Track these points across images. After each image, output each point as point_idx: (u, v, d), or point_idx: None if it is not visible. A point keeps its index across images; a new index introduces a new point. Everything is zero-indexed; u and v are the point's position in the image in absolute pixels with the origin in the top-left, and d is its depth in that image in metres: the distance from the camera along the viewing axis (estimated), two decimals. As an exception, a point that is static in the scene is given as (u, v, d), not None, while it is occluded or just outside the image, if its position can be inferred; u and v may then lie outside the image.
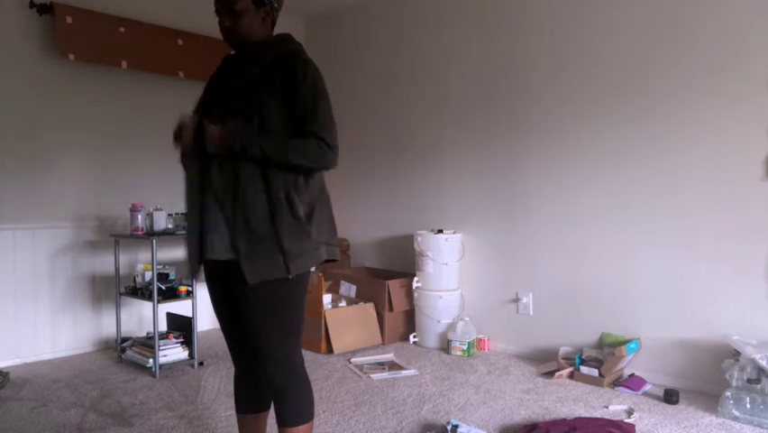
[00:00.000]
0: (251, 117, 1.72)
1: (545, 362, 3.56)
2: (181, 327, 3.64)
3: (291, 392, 1.80)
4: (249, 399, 1.98)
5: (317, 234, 1.78)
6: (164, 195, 4.08)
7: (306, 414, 1.82)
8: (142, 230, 3.60)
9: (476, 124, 4.08)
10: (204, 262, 1.86)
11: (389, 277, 4.29)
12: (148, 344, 3.53)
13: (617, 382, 3.17)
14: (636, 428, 2.60)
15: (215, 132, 1.68)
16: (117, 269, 3.77)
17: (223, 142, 1.67)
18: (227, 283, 1.81)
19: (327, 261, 1.86)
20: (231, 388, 3.03)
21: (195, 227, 1.78)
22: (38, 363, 3.71)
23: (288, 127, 1.75)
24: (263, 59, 1.79)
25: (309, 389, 1.85)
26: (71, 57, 3.74)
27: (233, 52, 1.89)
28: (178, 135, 1.75)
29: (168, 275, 3.63)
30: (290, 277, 1.71)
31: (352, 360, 3.71)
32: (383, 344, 4.10)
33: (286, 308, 1.78)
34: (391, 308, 4.15)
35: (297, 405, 1.81)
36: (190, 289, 3.61)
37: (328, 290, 4.27)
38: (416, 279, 4.14)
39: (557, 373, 3.33)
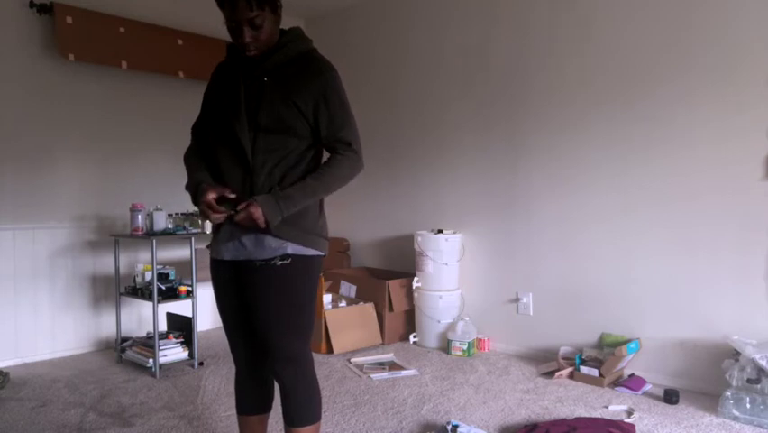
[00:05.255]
0: (274, 124, 1.72)
1: (545, 362, 3.56)
2: (181, 327, 3.64)
3: (300, 393, 1.80)
4: (252, 400, 1.98)
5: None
6: (164, 195, 4.08)
7: (313, 415, 1.83)
8: (142, 230, 3.60)
9: (477, 125, 4.08)
10: (211, 263, 1.88)
11: (389, 277, 4.29)
12: (148, 344, 3.53)
13: (617, 382, 3.17)
14: (636, 428, 2.59)
15: (260, 221, 1.68)
16: (117, 269, 3.77)
17: (267, 225, 1.69)
18: (236, 282, 1.82)
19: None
20: (231, 388, 3.03)
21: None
22: (38, 363, 3.71)
23: (308, 129, 1.77)
24: (279, 59, 1.77)
25: (318, 389, 1.85)
26: (71, 57, 3.74)
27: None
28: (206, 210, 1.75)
29: (168, 275, 3.63)
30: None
31: (352, 360, 3.71)
32: (383, 344, 4.10)
33: (297, 306, 1.78)
34: (391, 308, 4.15)
35: (306, 405, 1.81)
36: (190, 289, 3.61)
37: (328, 290, 4.28)
38: (416, 279, 4.14)
39: (557, 373, 3.33)
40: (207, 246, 1.92)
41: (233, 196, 1.73)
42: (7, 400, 3.03)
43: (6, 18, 3.65)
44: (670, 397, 2.91)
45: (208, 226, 3.59)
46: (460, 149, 4.18)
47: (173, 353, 3.50)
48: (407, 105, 4.55)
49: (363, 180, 4.78)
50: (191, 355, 3.56)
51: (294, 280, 1.76)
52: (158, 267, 3.50)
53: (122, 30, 4.01)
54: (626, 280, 3.36)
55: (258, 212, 1.67)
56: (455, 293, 4.06)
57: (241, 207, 1.70)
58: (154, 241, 3.44)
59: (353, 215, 4.93)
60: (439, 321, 4.00)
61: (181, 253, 4.37)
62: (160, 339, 3.46)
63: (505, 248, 3.94)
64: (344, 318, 3.98)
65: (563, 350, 3.52)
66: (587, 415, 2.76)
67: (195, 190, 1.80)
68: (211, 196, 1.72)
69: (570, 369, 3.32)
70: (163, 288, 3.52)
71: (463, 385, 3.22)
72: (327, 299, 4.06)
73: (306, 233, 1.78)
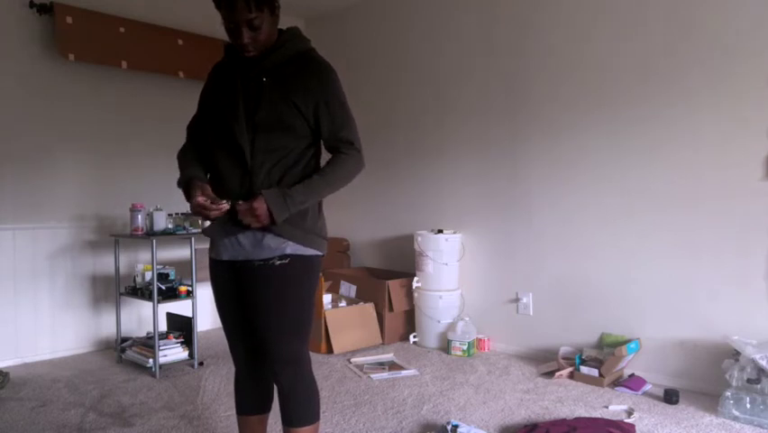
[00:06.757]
0: (273, 124, 1.72)
1: (545, 362, 3.55)
2: (181, 327, 3.64)
3: (299, 393, 1.80)
4: (252, 400, 1.97)
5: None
6: (164, 195, 4.07)
7: (312, 415, 1.83)
8: (142, 230, 3.60)
9: (478, 125, 4.08)
10: (210, 263, 1.88)
11: (389, 277, 4.29)
12: (148, 344, 3.53)
13: (617, 382, 3.17)
14: (636, 428, 2.59)
15: (262, 217, 1.67)
16: (117, 269, 3.77)
17: (270, 222, 1.68)
18: (235, 283, 1.82)
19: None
20: (231, 388, 3.03)
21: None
22: (38, 363, 3.71)
23: (307, 129, 1.77)
24: (278, 58, 1.76)
25: (316, 389, 1.86)
26: (71, 57, 3.74)
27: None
28: (200, 211, 1.74)
29: (168, 275, 3.63)
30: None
31: (352, 360, 3.71)
32: (383, 344, 4.10)
33: (296, 306, 1.78)
34: (391, 308, 4.15)
35: (305, 406, 1.81)
36: (190, 289, 3.61)
37: (328, 290, 4.28)
38: (416, 279, 4.14)
39: (557, 373, 3.33)
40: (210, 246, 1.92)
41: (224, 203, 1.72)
42: (7, 400, 3.03)
43: (6, 18, 3.65)
44: (670, 397, 2.91)
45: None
46: (460, 149, 4.18)
47: (173, 353, 3.50)
48: (408, 105, 4.55)
49: (363, 180, 4.81)
50: (191, 355, 3.56)
51: (293, 281, 1.75)
52: (158, 267, 3.50)
53: (122, 30, 4.01)
54: (625, 280, 3.36)
55: (262, 207, 1.66)
56: (455, 293, 4.06)
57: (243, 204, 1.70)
58: (154, 241, 3.44)
59: (353, 215, 4.93)
60: (439, 321, 4.00)
61: (181, 253, 4.37)
62: (159, 339, 3.46)
63: (505, 248, 3.94)
64: (344, 318, 3.98)
65: (563, 350, 3.52)
66: (587, 415, 2.76)
67: (186, 186, 1.81)
68: (202, 197, 1.72)
69: (570, 369, 3.32)
70: (163, 288, 3.52)
71: (463, 385, 3.22)
72: (327, 299, 4.06)
73: (306, 232, 1.78)
